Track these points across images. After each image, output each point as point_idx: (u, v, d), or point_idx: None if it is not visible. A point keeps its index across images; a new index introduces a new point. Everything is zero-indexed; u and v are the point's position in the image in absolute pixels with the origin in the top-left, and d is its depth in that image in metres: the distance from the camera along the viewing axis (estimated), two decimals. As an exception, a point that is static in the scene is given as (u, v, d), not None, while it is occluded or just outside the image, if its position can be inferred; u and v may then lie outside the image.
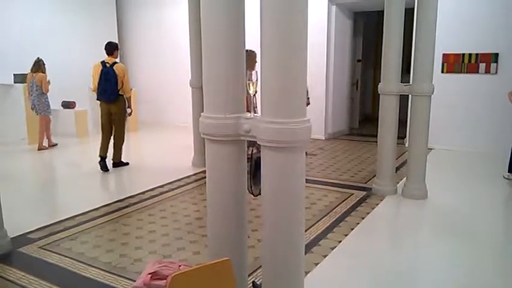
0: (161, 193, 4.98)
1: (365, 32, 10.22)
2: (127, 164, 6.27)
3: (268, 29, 1.80)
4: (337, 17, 8.27)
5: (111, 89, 5.79)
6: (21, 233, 3.77)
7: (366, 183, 5.38)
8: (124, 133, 6.15)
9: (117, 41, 10.18)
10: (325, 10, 8.03)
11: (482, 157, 6.66)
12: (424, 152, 4.74)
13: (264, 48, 1.82)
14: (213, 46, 2.01)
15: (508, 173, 5.32)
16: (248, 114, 2.05)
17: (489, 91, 6.82)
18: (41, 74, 7.31)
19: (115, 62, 5.90)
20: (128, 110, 6.08)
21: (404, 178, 4.96)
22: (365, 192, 4.96)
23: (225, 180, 2.11)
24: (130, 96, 6.12)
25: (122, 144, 6.15)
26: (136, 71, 10.50)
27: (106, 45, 5.97)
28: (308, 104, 6.21)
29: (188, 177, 5.64)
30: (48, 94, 7.40)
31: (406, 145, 6.33)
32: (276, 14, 1.77)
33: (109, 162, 6.03)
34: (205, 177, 2.19)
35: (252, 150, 2.28)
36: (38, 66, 7.34)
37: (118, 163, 6.16)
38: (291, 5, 1.75)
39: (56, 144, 7.73)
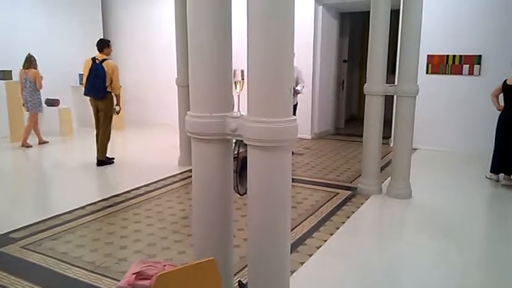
0: (147, 192, 4.94)
1: (351, 32, 10.30)
2: (113, 159, 6.24)
3: (255, 28, 1.80)
4: (323, 17, 8.32)
5: (98, 86, 5.77)
6: (3, 233, 3.70)
7: (351, 182, 5.42)
8: (110, 130, 6.10)
9: (102, 37, 10.10)
10: (311, 10, 8.06)
11: (466, 157, 6.77)
12: (408, 152, 4.79)
13: (251, 47, 1.82)
14: (199, 44, 2.00)
15: (490, 173, 5.41)
16: (234, 113, 2.05)
17: (472, 92, 6.93)
18: (33, 70, 7.25)
19: (105, 59, 5.86)
20: (116, 108, 6.06)
21: (389, 178, 5.02)
22: (350, 192, 5.00)
23: (211, 179, 2.10)
24: (119, 94, 6.07)
25: (107, 141, 6.11)
26: (122, 70, 10.36)
27: (97, 41, 5.99)
28: (297, 93, 6.25)
29: (174, 176, 5.61)
30: (41, 91, 7.37)
31: (391, 145, 6.39)
32: (263, 13, 1.76)
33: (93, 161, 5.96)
34: (191, 176, 2.18)
35: (239, 150, 2.27)
36: (30, 62, 7.26)
37: (103, 161, 6.09)
38: (277, 5, 1.75)
39: (47, 142, 7.67)
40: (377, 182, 4.96)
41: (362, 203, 4.61)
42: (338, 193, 4.96)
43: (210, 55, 1.99)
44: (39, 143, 7.54)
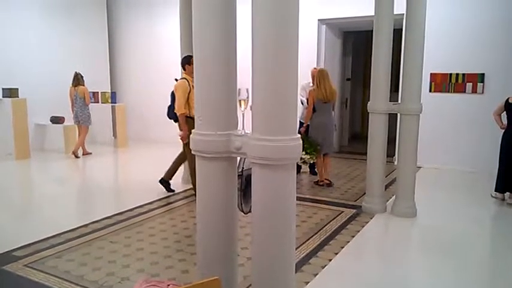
0: (150, 210, 4.92)
1: (354, 50, 10.38)
2: (171, 191, 5.67)
3: (260, 47, 1.82)
4: (326, 36, 8.40)
5: (171, 107, 5.38)
6: (5, 251, 3.69)
7: (355, 201, 5.38)
8: (184, 156, 5.52)
9: (107, 56, 10.23)
10: (315, 29, 8.15)
11: (470, 176, 6.73)
12: (413, 170, 4.77)
13: (255, 66, 1.84)
14: (205, 62, 2.02)
15: (496, 192, 5.37)
16: (239, 131, 2.06)
17: (476, 110, 6.93)
18: (82, 87, 7.90)
19: (182, 78, 5.28)
20: (178, 132, 5.24)
21: (394, 196, 4.98)
22: (355, 210, 4.96)
23: (215, 196, 2.10)
24: (181, 115, 5.10)
25: (176, 164, 5.65)
26: (127, 87, 10.49)
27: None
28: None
29: (177, 194, 5.60)
30: (89, 106, 7.99)
31: (395, 163, 6.37)
32: (267, 32, 1.79)
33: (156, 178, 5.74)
34: (194, 194, 2.17)
35: (243, 167, 2.28)
36: (78, 80, 7.91)
37: (164, 181, 5.67)
38: (282, 24, 1.78)
39: (91, 153, 8.26)
40: (381, 200, 4.93)
41: (367, 222, 4.57)
42: (342, 211, 4.93)
43: (215, 74, 2.01)
44: (84, 154, 8.19)
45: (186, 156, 5.48)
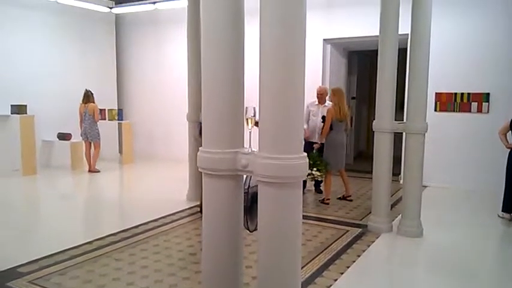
0: (155, 227, 4.92)
1: (359, 70, 10.45)
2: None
3: (267, 66, 1.85)
4: (332, 55, 8.48)
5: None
6: (10, 267, 3.69)
7: (361, 220, 5.35)
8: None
9: (115, 74, 10.37)
10: (320, 49, 8.23)
11: (476, 195, 6.68)
12: (418, 190, 4.75)
13: (263, 85, 1.87)
14: (213, 81, 2.06)
15: (503, 212, 5.33)
16: (246, 149, 2.08)
17: (482, 130, 6.92)
18: (92, 104, 8.08)
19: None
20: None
21: (400, 215, 4.95)
22: (360, 229, 4.93)
23: (221, 214, 2.10)
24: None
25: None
26: (134, 104, 10.59)
27: None
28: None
29: (182, 211, 5.59)
30: (98, 122, 8.17)
31: (401, 182, 6.35)
32: (275, 53, 1.82)
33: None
34: (199, 212, 2.18)
35: (249, 185, 2.29)
36: (88, 97, 8.10)
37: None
38: (289, 45, 1.81)
39: (99, 171, 8.25)
40: (387, 219, 4.89)
41: (373, 241, 4.54)
42: (348, 231, 4.90)
43: (222, 92, 2.04)
44: (89, 171, 8.20)
45: None
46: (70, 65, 9.29)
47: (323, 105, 6.53)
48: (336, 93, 6.09)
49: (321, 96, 6.52)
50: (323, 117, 6.18)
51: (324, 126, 6.06)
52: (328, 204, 6.03)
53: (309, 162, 5.78)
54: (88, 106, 8.10)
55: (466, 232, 4.94)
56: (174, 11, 9.14)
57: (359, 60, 10.32)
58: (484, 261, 4.13)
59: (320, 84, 7.67)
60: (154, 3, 9.25)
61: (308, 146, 6.05)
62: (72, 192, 7.17)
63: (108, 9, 9.78)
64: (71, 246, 4.23)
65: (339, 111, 5.97)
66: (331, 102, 6.29)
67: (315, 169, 5.77)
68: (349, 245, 4.43)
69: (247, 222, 3.28)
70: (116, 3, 9.96)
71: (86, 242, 4.36)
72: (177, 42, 9.21)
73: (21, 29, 8.38)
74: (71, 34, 9.30)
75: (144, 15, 9.89)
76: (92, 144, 8.28)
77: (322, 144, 6.23)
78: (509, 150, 5.30)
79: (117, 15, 10.27)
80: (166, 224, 5.06)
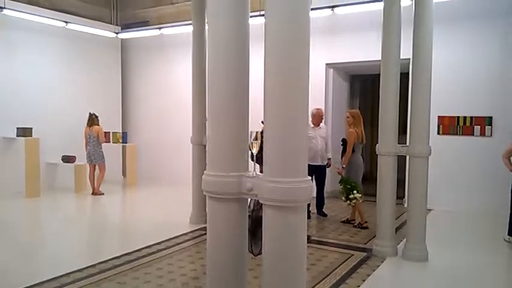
0: (158, 250, 4.89)
1: (361, 93, 10.53)
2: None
3: (271, 91, 1.89)
4: (334, 79, 8.57)
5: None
6: (12, 291, 3.67)
7: (365, 243, 5.30)
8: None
9: (120, 97, 10.50)
10: (322, 73, 8.33)
11: (481, 218, 6.62)
12: (423, 213, 4.72)
13: (267, 109, 1.91)
14: (218, 105, 2.10)
15: (509, 236, 5.27)
16: (250, 173, 2.09)
17: (485, 153, 6.92)
18: (96, 126, 8.18)
19: None
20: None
21: (405, 239, 4.91)
22: (365, 254, 4.88)
23: (225, 238, 2.11)
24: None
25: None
26: (139, 127, 10.67)
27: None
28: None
29: (185, 234, 5.56)
30: (102, 145, 8.23)
31: (405, 205, 6.31)
32: (279, 78, 1.87)
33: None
34: (202, 235, 2.19)
35: (253, 209, 2.30)
36: (92, 120, 8.22)
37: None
38: (293, 71, 1.86)
39: (103, 194, 8.23)
40: (392, 243, 4.85)
41: (378, 266, 4.49)
42: (352, 255, 4.85)
43: (228, 116, 2.08)
44: (93, 193, 8.18)
45: None
46: (76, 89, 9.42)
47: (318, 127, 6.56)
48: (356, 116, 6.18)
49: (319, 119, 6.54)
50: (343, 140, 6.19)
51: (343, 149, 6.17)
52: (368, 228, 5.92)
53: (347, 186, 5.72)
54: (92, 129, 8.19)
55: (472, 256, 4.88)
56: (179, 36, 9.30)
57: (361, 84, 10.42)
58: (491, 287, 4.06)
59: (323, 108, 7.72)
60: (159, 28, 9.46)
61: (310, 169, 6.03)
62: (75, 215, 7.16)
63: (115, 35, 9.99)
64: (74, 269, 4.20)
65: (361, 133, 6.03)
66: (324, 125, 6.37)
67: (355, 191, 5.75)
68: (354, 269, 4.38)
69: (251, 246, 3.27)
70: (122, 29, 10.18)
71: (89, 265, 4.33)
72: (182, 66, 9.35)
73: (28, 52, 8.55)
74: (77, 58, 9.46)
75: (149, 40, 10.08)
76: (97, 167, 8.30)
77: (325, 166, 6.25)
78: (513, 173, 5.29)
79: (123, 40, 10.46)
80: (170, 247, 5.03)
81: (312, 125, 6.55)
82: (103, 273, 4.16)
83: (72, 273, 4.12)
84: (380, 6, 4.91)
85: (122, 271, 4.23)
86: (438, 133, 7.25)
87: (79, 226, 6.26)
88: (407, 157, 4.90)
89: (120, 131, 9.86)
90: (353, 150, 6.07)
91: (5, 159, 8.10)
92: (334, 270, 4.34)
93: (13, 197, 7.75)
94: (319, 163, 6.43)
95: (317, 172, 6.45)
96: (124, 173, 10.11)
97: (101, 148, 8.27)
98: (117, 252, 4.77)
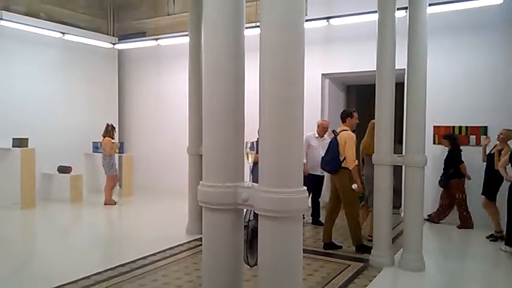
0: (153, 262, 4.85)
1: (357, 102, 10.57)
2: (366, 248, 5.22)
3: (267, 102, 1.90)
4: (330, 89, 8.61)
5: (327, 158, 5.52)
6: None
7: (362, 254, 5.28)
8: (354, 212, 5.35)
9: (117, 107, 10.50)
10: (318, 83, 8.37)
11: (478, 228, 6.61)
12: (420, 223, 4.72)
13: (263, 120, 1.91)
14: (214, 116, 2.10)
15: (506, 246, 5.27)
16: (246, 183, 2.09)
17: (481, 163, 6.93)
18: (106, 138, 8.15)
19: (343, 130, 5.50)
20: (354, 186, 5.26)
21: (401, 249, 4.89)
22: (362, 264, 4.86)
23: (221, 248, 2.10)
24: (355, 168, 5.34)
25: (356, 226, 5.35)
26: (135, 137, 10.67)
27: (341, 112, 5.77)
28: None
29: (182, 245, 5.52)
30: (112, 156, 8.18)
31: (402, 215, 6.30)
32: (275, 89, 1.88)
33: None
34: (198, 245, 2.18)
35: (249, 219, 2.29)
36: (106, 131, 8.22)
37: (359, 246, 5.33)
38: (289, 80, 1.87)
39: (115, 204, 8.21)
40: (389, 253, 4.84)
41: (374, 276, 4.47)
42: (349, 265, 4.83)
43: (223, 127, 2.08)
44: (105, 204, 8.13)
45: (338, 209, 5.55)
46: (72, 99, 9.42)
47: (322, 138, 6.58)
48: (372, 127, 5.60)
49: (322, 130, 6.57)
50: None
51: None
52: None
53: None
54: (103, 140, 8.21)
55: (469, 266, 4.88)
56: (176, 47, 9.34)
57: (357, 94, 10.47)
58: (489, 297, 4.06)
59: (319, 118, 7.76)
60: (156, 39, 9.50)
61: (310, 179, 6.02)
62: (69, 226, 7.10)
63: (111, 45, 10.02)
64: (69, 281, 4.16)
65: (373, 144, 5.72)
66: (328, 137, 6.31)
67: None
68: (350, 279, 4.36)
69: (247, 257, 3.25)
70: (119, 40, 10.21)
71: (83, 276, 4.29)
72: (178, 76, 9.37)
73: (25, 63, 8.55)
74: (74, 69, 9.48)
75: (146, 50, 10.11)
76: (106, 177, 8.25)
77: (323, 177, 6.20)
78: (510, 182, 5.30)
79: (119, 51, 10.50)
80: (166, 258, 4.99)
81: (317, 135, 6.56)
82: (97, 284, 4.12)
83: (66, 285, 4.08)
84: (375, 17, 4.96)
85: (117, 282, 4.19)
86: (434, 143, 7.27)
87: (74, 237, 6.21)
88: (403, 167, 4.91)
89: (117, 141, 9.84)
90: (363, 162, 5.98)
91: (1, 170, 8.04)
92: (331, 280, 4.32)
93: (9, 208, 7.67)
94: (318, 173, 6.44)
95: (315, 182, 6.46)
96: (120, 183, 10.07)
97: (109, 159, 8.21)
98: (112, 264, 4.72)
